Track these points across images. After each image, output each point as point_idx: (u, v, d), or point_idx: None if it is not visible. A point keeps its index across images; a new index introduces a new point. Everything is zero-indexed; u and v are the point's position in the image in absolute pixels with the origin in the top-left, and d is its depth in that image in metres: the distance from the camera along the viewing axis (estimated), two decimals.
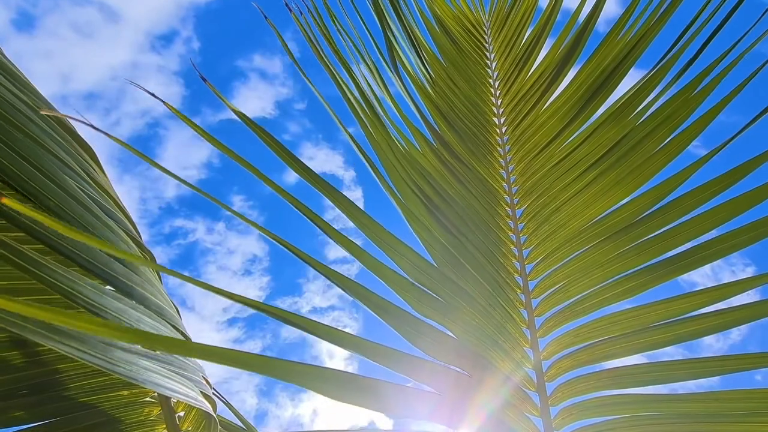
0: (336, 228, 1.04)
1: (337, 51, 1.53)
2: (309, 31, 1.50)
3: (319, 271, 0.91)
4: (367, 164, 1.32)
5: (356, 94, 1.47)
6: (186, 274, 0.60)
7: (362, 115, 1.44)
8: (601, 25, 2.02)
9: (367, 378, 0.78)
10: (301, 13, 1.48)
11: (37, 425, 1.27)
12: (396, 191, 1.39)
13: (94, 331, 0.35)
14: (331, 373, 0.69)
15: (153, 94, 0.86)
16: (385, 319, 0.98)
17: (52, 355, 1.29)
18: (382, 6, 1.90)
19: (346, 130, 1.33)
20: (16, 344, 1.23)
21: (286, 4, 1.43)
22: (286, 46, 1.45)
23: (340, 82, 1.45)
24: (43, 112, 0.86)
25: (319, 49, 1.48)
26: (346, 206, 1.13)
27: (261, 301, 0.68)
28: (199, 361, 1.30)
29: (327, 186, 1.11)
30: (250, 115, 1.09)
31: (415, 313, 1.10)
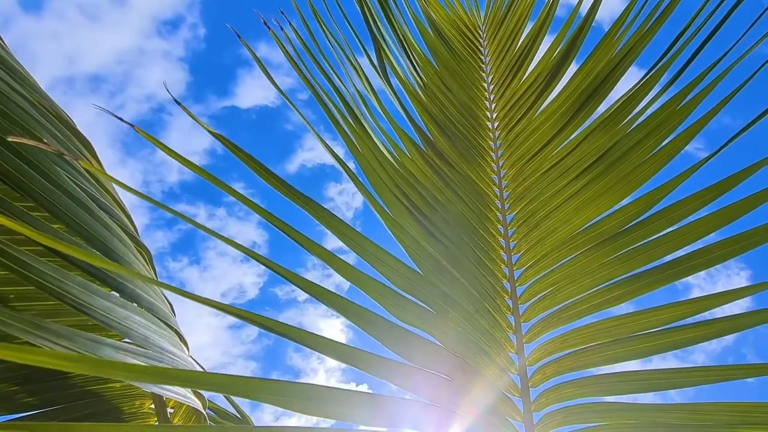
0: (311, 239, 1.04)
1: (320, 61, 1.53)
2: (291, 46, 1.49)
3: (298, 286, 0.92)
4: (349, 177, 1.32)
5: (340, 105, 1.47)
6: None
7: (346, 127, 1.44)
8: (596, 30, 2.03)
9: (351, 391, 0.78)
10: (282, 29, 1.48)
11: (40, 412, 1.29)
12: (381, 202, 1.38)
13: (65, 366, 0.36)
14: (312, 390, 0.69)
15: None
16: (368, 331, 0.98)
17: None
18: (371, 10, 1.89)
19: (322, 140, 1.33)
20: None
21: (265, 23, 1.42)
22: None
23: (320, 94, 1.44)
24: (12, 139, 0.86)
25: (303, 64, 1.47)
26: (326, 218, 1.12)
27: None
28: (193, 352, 1.31)
29: (304, 198, 1.10)
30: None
31: (400, 322, 1.11)
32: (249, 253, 0.80)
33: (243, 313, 0.66)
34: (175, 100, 0.93)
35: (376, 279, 1.10)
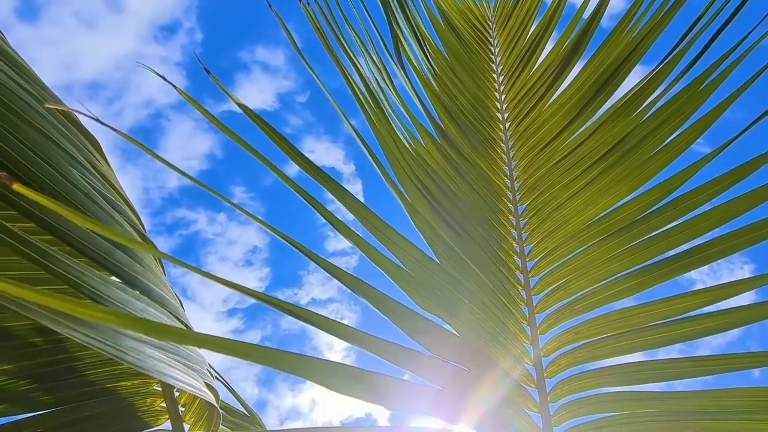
0: (339, 219, 1.04)
1: (343, 42, 1.53)
2: (315, 21, 1.49)
3: (318, 264, 0.92)
4: (370, 158, 1.32)
5: (361, 86, 1.47)
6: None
7: (367, 108, 1.44)
8: (607, 20, 2.02)
9: (366, 371, 0.78)
10: (309, 4, 1.48)
11: (54, 410, 1.29)
12: (399, 185, 1.39)
13: (103, 319, 0.36)
14: (330, 365, 0.70)
15: (164, 78, 0.86)
16: (384, 313, 0.98)
17: (71, 342, 1.30)
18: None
19: (349, 123, 1.33)
20: (41, 331, 1.24)
21: None
22: (290, 34, 1.45)
23: (346, 73, 1.45)
24: (47, 106, 0.86)
25: (325, 38, 1.48)
26: (348, 199, 1.13)
27: (261, 291, 0.68)
28: (202, 351, 1.31)
29: (328, 179, 1.11)
30: (250, 107, 1.10)
31: (416, 307, 1.11)
32: (271, 229, 0.79)
33: (265, 297, 0.66)
34: (205, 69, 0.93)
35: (396, 263, 1.10)
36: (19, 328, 1.23)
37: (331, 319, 0.80)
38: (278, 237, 0.89)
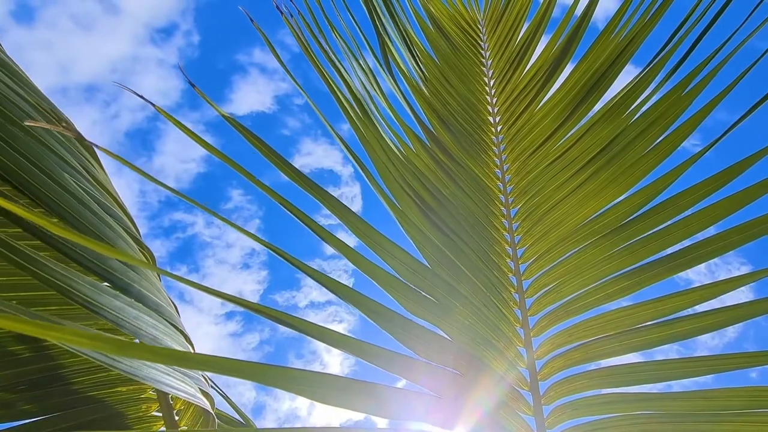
0: (328, 227, 1.04)
1: (328, 50, 1.53)
2: (300, 33, 1.49)
3: (307, 273, 0.92)
4: (357, 166, 1.32)
5: (347, 93, 1.47)
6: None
7: (353, 115, 1.44)
8: (596, 22, 2.03)
9: (359, 381, 0.78)
10: (292, 16, 1.48)
11: (42, 419, 1.28)
12: (387, 191, 1.39)
13: (95, 347, 0.36)
14: (324, 378, 0.69)
15: (143, 97, 0.86)
16: (377, 322, 0.98)
17: (57, 350, 1.30)
18: (375, 5, 1.90)
19: (333, 130, 1.33)
20: (22, 339, 1.23)
21: (277, 7, 1.43)
22: (274, 50, 1.45)
23: (331, 83, 1.45)
24: (27, 123, 0.86)
25: (310, 50, 1.48)
26: (338, 209, 1.13)
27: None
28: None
29: (318, 189, 1.11)
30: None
31: (409, 314, 1.11)
32: (260, 241, 0.79)
33: (260, 308, 0.66)
34: (191, 83, 0.93)
35: (387, 271, 1.10)
36: (6, 335, 1.22)
37: (324, 327, 0.80)
38: (270, 249, 0.89)
